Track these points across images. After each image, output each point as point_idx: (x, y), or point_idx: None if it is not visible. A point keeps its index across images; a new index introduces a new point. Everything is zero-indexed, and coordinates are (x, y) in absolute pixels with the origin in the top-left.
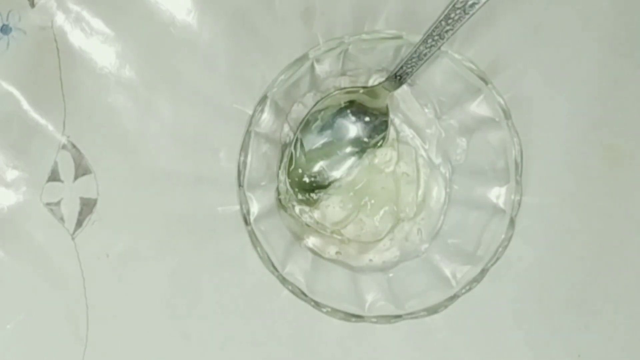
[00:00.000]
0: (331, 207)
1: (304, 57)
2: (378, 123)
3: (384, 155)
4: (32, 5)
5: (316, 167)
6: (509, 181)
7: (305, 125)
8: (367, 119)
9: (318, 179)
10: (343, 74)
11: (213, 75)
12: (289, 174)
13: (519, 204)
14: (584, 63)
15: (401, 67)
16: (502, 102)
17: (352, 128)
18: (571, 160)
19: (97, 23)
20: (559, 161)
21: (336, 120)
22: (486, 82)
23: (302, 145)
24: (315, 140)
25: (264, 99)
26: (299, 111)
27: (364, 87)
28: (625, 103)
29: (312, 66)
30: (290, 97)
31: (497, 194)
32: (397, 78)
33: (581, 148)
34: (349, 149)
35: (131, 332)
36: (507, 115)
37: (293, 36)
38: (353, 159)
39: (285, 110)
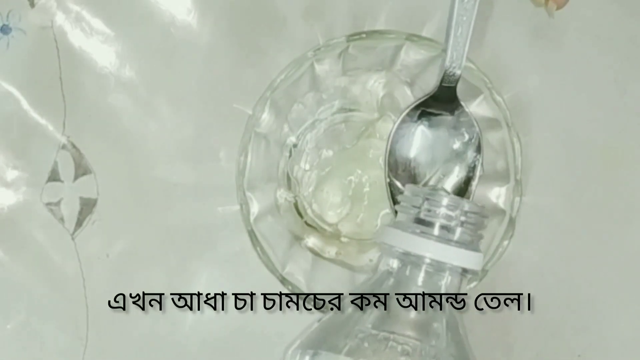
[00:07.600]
0: (325, 192)
1: (304, 57)
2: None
3: (377, 148)
4: (32, 5)
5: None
6: (509, 181)
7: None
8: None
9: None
10: (343, 74)
11: (213, 75)
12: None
13: (519, 204)
14: (584, 63)
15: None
16: (502, 102)
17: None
18: (571, 160)
19: (97, 23)
20: (559, 161)
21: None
22: (486, 82)
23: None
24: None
25: (264, 99)
26: (299, 111)
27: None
28: (625, 104)
29: (312, 66)
30: (290, 97)
31: (497, 194)
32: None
33: (581, 148)
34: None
35: (131, 332)
36: (507, 115)
37: (293, 36)
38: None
39: (285, 110)
